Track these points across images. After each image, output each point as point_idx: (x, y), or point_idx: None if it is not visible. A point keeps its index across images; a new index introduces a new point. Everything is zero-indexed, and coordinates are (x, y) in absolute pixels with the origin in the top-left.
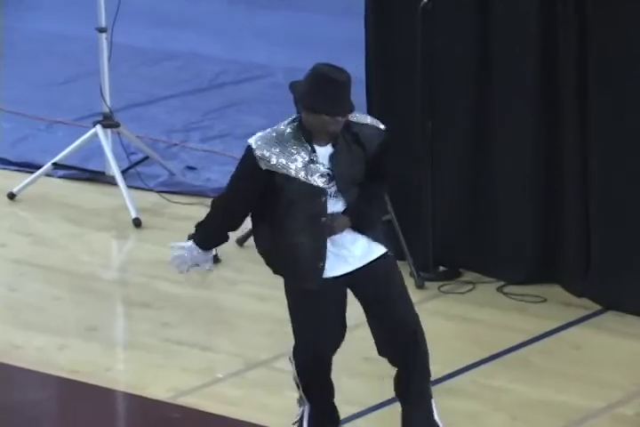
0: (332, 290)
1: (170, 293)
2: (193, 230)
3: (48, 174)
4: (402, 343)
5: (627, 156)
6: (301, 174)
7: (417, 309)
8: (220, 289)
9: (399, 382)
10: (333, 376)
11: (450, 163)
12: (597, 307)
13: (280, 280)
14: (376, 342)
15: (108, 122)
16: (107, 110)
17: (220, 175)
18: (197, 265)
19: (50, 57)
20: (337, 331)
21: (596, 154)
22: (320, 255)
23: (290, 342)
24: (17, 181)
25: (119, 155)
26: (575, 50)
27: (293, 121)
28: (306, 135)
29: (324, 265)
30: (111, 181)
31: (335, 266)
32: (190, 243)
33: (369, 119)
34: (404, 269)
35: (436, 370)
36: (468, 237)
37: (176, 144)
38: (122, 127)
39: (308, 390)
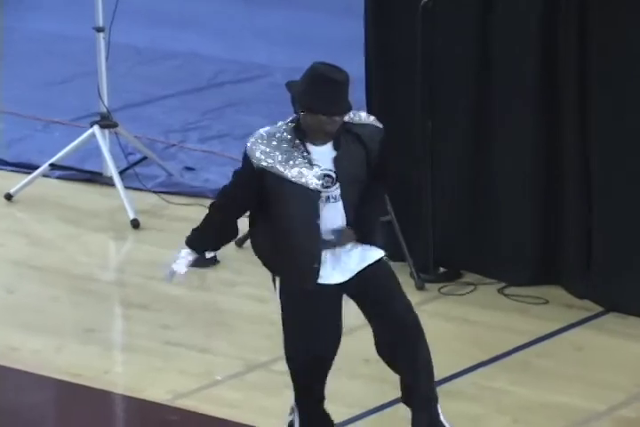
0: (329, 292)
1: (168, 294)
2: (189, 233)
3: (45, 175)
4: (405, 340)
5: (627, 156)
6: (294, 175)
7: (417, 310)
8: (219, 291)
9: (405, 385)
10: (333, 378)
11: (450, 163)
12: (599, 308)
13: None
14: (377, 343)
15: (106, 122)
16: (104, 110)
17: (218, 176)
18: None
19: (50, 57)
20: (335, 331)
21: (596, 154)
22: (315, 257)
23: None
24: (14, 181)
25: (117, 155)
26: (575, 50)
27: (292, 121)
28: (300, 135)
29: (319, 266)
30: (109, 182)
31: (330, 276)
32: (184, 252)
33: (369, 118)
34: (404, 270)
35: (436, 372)
36: (468, 237)
37: (174, 144)
38: (119, 127)
39: (301, 395)
